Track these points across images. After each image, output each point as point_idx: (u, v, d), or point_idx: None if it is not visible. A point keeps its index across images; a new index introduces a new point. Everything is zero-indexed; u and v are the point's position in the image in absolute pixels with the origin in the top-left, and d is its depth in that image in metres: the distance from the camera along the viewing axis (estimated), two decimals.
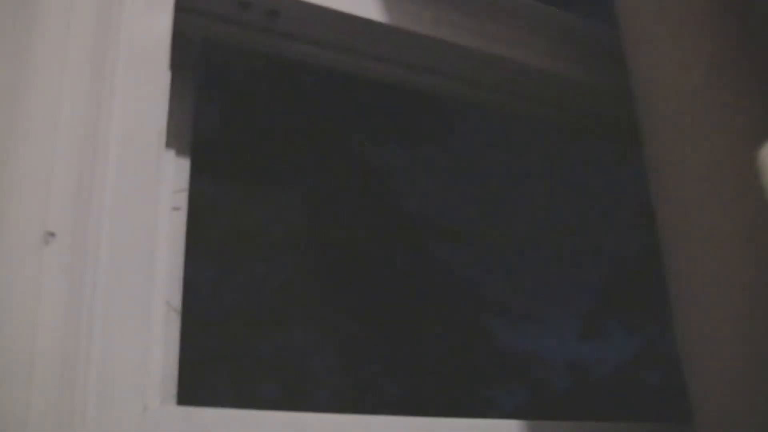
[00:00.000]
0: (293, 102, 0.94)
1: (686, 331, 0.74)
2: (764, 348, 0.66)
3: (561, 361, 1.07)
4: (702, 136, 0.72)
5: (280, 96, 0.94)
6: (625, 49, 0.81)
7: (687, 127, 0.73)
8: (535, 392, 1.01)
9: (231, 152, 0.89)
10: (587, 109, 0.99)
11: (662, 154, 0.76)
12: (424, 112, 1.02)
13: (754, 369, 0.67)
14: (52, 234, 0.62)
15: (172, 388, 0.74)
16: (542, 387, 1.03)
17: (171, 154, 0.80)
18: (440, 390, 0.94)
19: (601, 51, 0.94)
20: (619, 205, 1.08)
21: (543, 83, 0.94)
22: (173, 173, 0.80)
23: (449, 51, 0.88)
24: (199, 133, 0.84)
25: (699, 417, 0.73)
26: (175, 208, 0.79)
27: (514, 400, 1.02)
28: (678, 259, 0.75)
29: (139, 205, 0.67)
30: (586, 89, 0.96)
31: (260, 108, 0.93)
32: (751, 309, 0.67)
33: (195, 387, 0.78)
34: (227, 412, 0.68)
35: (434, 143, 1.03)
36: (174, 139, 0.80)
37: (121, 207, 0.66)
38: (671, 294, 0.76)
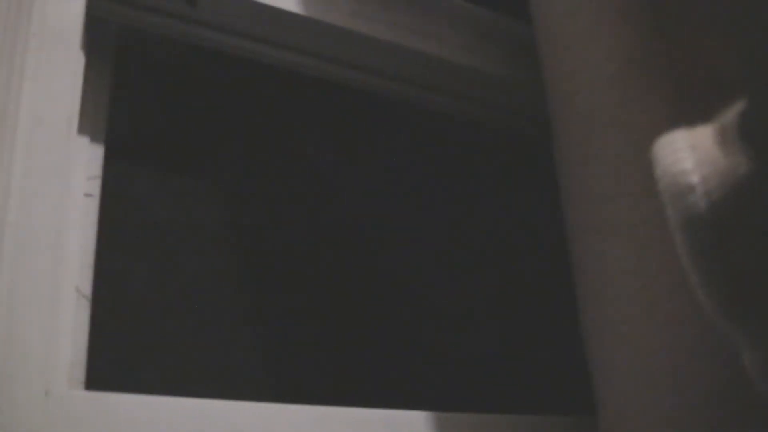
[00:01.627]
0: (215, 92, 0.94)
1: (591, 323, 0.76)
2: (668, 340, 0.67)
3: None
4: (610, 131, 0.73)
5: (202, 85, 0.94)
6: (539, 44, 0.82)
7: (597, 122, 0.74)
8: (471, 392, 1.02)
9: (150, 141, 0.89)
10: (504, 104, 1.01)
11: (573, 149, 0.77)
12: (352, 106, 1.03)
13: (658, 361, 0.68)
14: None
15: (81, 374, 0.74)
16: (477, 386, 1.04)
17: (84, 140, 0.79)
18: (361, 383, 0.94)
19: (518, 46, 0.96)
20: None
21: (459, 78, 0.96)
22: (86, 159, 0.79)
23: (367, 44, 0.88)
24: (118, 121, 0.84)
25: (603, 409, 0.74)
26: (88, 195, 0.79)
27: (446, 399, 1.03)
28: (585, 252, 0.76)
29: (47, 190, 0.67)
30: (502, 84, 0.97)
31: (181, 97, 0.92)
32: (655, 301, 0.68)
33: (113, 376, 0.78)
34: (134, 397, 0.67)
35: (362, 139, 1.03)
36: (88, 126, 0.80)
37: (29, 191, 0.66)
38: (577, 288, 0.78)
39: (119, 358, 0.81)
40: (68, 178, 0.71)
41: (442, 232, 1.06)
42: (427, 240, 1.05)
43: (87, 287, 0.76)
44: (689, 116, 0.55)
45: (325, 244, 0.97)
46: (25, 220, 0.65)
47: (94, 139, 0.81)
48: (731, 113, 0.50)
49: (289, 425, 0.73)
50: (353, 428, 0.75)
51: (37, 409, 0.62)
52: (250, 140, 0.94)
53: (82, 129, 0.78)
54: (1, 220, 0.63)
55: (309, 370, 0.91)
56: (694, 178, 0.47)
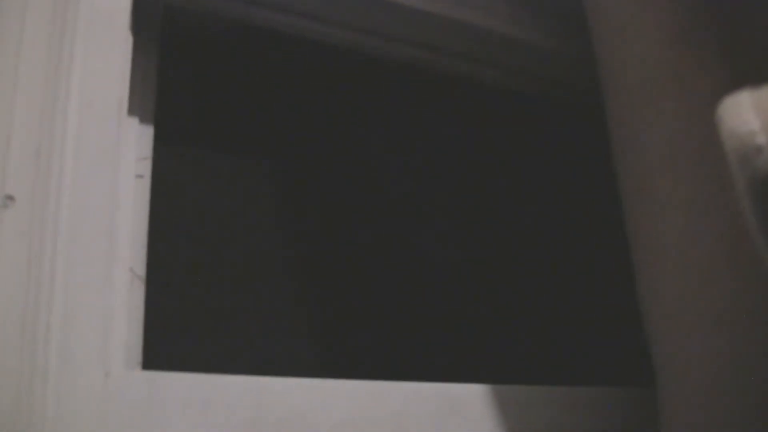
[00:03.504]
0: (263, 71, 0.94)
1: (647, 293, 0.75)
2: (727, 309, 0.66)
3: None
4: (664, 104, 0.72)
5: (252, 65, 0.94)
6: (589, 17, 0.81)
7: (649, 95, 0.73)
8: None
9: (199, 121, 0.89)
10: (551, 76, 1.00)
11: (624, 120, 0.76)
12: (403, 86, 1.02)
13: (718, 332, 0.67)
14: (11, 197, 0.62)
15: (137, 354, 0.74)
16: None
17: (134, 122, 0.79)
18: (417, 357, 0.94)
19: (566, 18, 0.95)
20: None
21: (506, 49, 0.94)
22: (136, 141, 0.79)
23: (412, 17, 0.87)
24: (166, 101, 0.84)
25: (662, 381, 0.73)
26: (139, 176, 0.79)
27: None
28: (640, 223, 0.75)
29: (99, 172, 0.67)
30: (550, 56, 0.96)
31: (230, 77, 0.92)
32: (713, 271, 0.68)
33: (168, 355, 0.78)
34: (190, 376, 0.68)
35: (412, 120, 1.03)
36: (137, 107, 0.80)
37: (82, 173, 0.66)
38: (634, 257, 0.77)
39: (174, 338, 0.81)
40: (119, 160, 0.71)
41: (496, 205, 1.05)
42: (481, 213, 1.04)
43: (141, 268, 0.77)
44: (744, 84, 0.54)
45: (375, 221, 0.96)
46: (79, 202, 0.65)
47: (143, 120, 0.81)
48: None
49: (344, 400, 0.73)
50: (409, 402, 0.75)
51: (98, 391, 0.63)
52: (300, 120, 0.94)
53: (132, 110, 0.78)
54: (56, 203, 0.64)
55: (363, 346, 0.91)
56: (762, 139, 0.46)
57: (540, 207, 1.08)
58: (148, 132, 0.81)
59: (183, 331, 0.82)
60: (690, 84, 0.71)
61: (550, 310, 1.04)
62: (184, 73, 0.89)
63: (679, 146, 0.71)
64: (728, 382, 0.67)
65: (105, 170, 0.67)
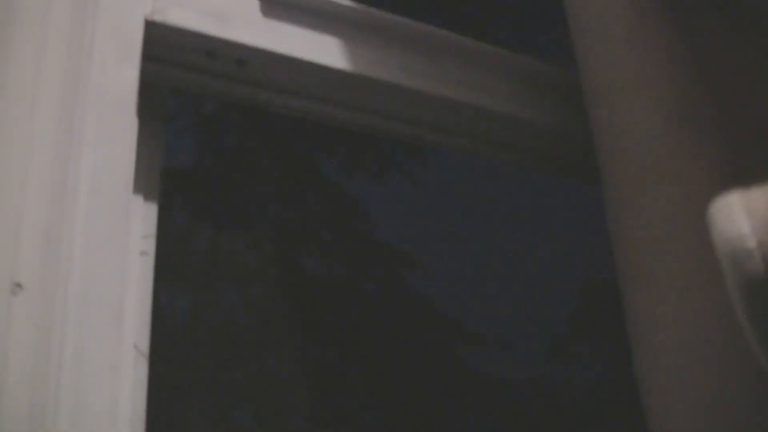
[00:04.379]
0: (263, 137, 0.96)
1: (644, 371, 0.75)
2: (722, 394, 0.67)
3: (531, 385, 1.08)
4: (661, 182, 0.73)
5: (250, 131, 0.95)
6: (587, 95, 0.82)
7: (646, 173, 0.74)
8: (509, 416, 1.02)
9: (201, 188, 0.90)
10: (551, 152, 1.01)
11: (621, 199, 0.78)
12: (396, 145, 1.04)
13: (714, 414, 0.68)
14: (19, 285, 0.63)
15: (141, 430, 0.75)
16: (515, 411, 1.04)
17: (139, 200, 0.81)
18: (415, 418, 0.94)
19: (565, 95, 0.96)
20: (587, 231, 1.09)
21: (506, 127, 0.96)
22: (141, 218, 0.81)
23: (415, 98, 0.89)
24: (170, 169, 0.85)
25: None
26: (143, 253, 0.80)
27: (488, 425, 1.03)
28: (635, 300, 0.76)
29: (108, 253, 0.68)
30: (549, 133, 0.97)
31: (230, 144, 0.94)
32: (708, 354, 0.68)
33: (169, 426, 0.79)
34: None
35: (405, 175, 1.04)
36: (142, 185, 0.81)
37: (91, 255, 0.67)
38: (629, 333, 0.77)
39: (176, 414, 0.82)
40: (127, 240, 0.72)
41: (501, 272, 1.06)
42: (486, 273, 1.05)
43: (144, 345, 0.77)
44: (742, 168, 0.55)
45: (391, 287, 0.97)
46: (88, 285, 0.66)
47: (147, 198, 0.82)
48: None
49: None
50: None
51: None
52: (304, 181, 0.95)
53: (137, 188, 0.79)
54: (64, 287, 0.65)
55: (361, 404, 0.92)
56: (752, 243, 0.47)
57: (539, 276, 1.09)
58: (152, 209, 0.82)
59: (185, 406, 0.83)
60: (688, 164, 0.72)
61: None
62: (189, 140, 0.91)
63: (676, 228, 0.72)
64: None
65: (113, 251, 0.69)
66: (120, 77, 0.73)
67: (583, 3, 0.83)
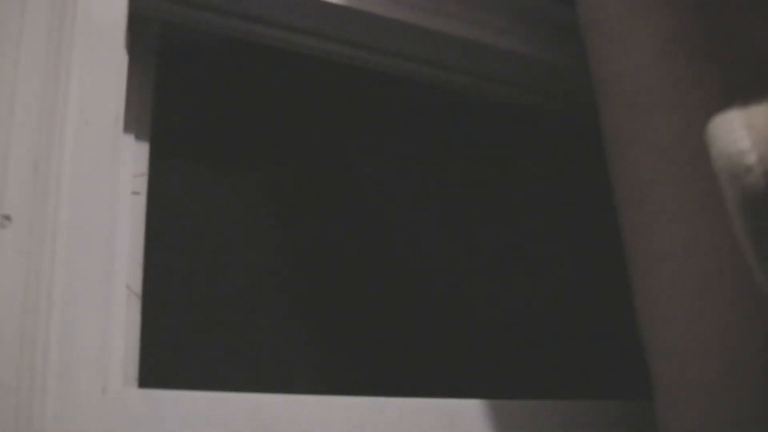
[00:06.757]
0: (262, 88, 0.94)
1: (643, 305, 0.75)
2: (723, 319, 0.66)
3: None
4: (657, 112, 0.72)
5: (249, 82, 0.94)
6: (582, 27, 0.81)
7: (643, 104, 0.73)
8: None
9: (195, 138, 0.89)
10: (547, 88, 1.00)
11: (618, 131, 0.77)
12: (394, 95, 1.02)
13: (714, 341, 0.67)
14: (8, 217, 0.62)
15: (134, 371, 0.74)
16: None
17: (130, 139, 0.80)
18: (407, 373, 0.94)
19: (559, 28, 0.95)
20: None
21: (502, 63, 0.95)
22: (132, 157, 0.80)
23: (409, 32, 0.88)
24: (163, 118, 0.84)
25: (659, 393, 0.74)
26: (135, 193, 0.79)
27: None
28: (636, 236, 0.75)
29: (96, 189, 0.67)
30: (545, 68, 0.96)
31: (224, 92, 0.92)
32: (707, 281, 0.68)
33: (164, 372, 0.78)
34: (188, 394, 0.68)
35: (404, 128, 1.03)
36: (133, 124, 0.80)
37: (79, 190, 0.66)
38: (630, 269, 0.77)
39: (171, 354, 0.81)
40: (117, 177, 0.71)
41: (496, 219, 1.05)
42: (481, 227, 1.04)
43: (137, 285, 0.77)
44: (738, 95, 0.54)
45: (373, 235, 0.96)
46: (77, 220, 0.65)
47: (139, 136, 0.81)
48: None
49: (343, 416, 0.73)
50: (408, 417, 0.75)
51: (95, 407, 0.63)
52: (294, 134, 0.94)
53: (128, 127, 0.79)
54: (53, 222, 0.64)
55: (362, 361, 0.91)
56: (752, 158, 0.46)
57: (538, 221, 1.08)
58: (144, 148, 0.81)
59: (180, 347, 0.82)
60: (683, 94, 0.71)
61: (548, 323, 1.04)
62: (180, 88, 0.89)
63: (673, 157, 0.71)
64: (725, 395, 0.67)
65: (102, 187, 0.67)
66: (107, 5, 0.71)
67: None
